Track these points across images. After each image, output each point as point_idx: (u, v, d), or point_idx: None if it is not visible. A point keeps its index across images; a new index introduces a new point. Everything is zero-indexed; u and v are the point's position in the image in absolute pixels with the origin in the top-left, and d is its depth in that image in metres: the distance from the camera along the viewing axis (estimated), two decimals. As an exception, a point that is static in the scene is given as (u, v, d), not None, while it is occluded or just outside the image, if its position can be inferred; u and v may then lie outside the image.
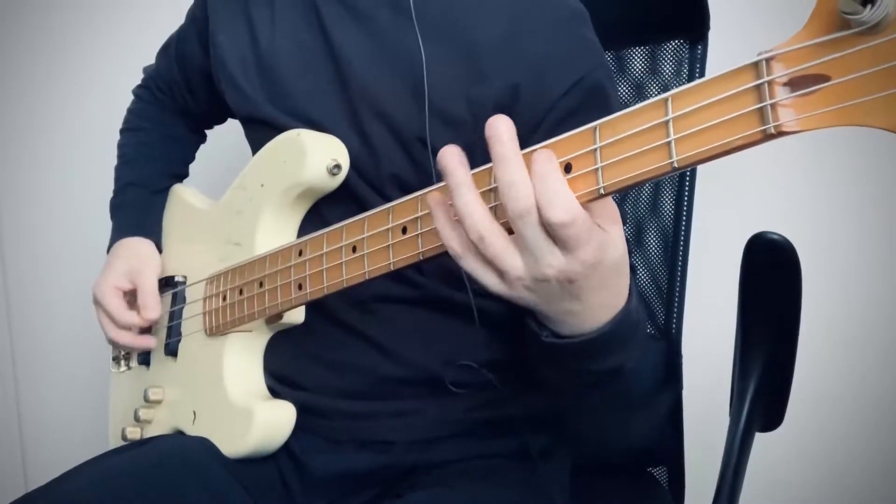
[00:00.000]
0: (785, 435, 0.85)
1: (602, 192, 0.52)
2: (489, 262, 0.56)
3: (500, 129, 0.54)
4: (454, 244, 0.57)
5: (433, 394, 0.83)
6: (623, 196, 1.07)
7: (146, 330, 0.97)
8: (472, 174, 0.56)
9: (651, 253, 1.07)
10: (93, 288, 0.96)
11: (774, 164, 1.27)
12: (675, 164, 0.49)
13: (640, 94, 1.07)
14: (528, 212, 0.52)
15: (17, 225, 1.72)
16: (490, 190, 0.57)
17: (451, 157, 0.56)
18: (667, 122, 0.49)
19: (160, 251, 1.02)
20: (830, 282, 1.29)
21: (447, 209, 0.58)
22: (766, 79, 0.44)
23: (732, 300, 0.83)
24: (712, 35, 1.01)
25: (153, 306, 0.94)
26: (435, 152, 0.79)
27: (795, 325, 0.79)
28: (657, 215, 1.06)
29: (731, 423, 0.81)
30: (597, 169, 0.52)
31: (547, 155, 0.53)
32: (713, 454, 0.83)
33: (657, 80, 1.05)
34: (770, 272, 0.80)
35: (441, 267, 0.81)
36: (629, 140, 0.51)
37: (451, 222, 0.57)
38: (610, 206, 0.55)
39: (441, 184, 0.61)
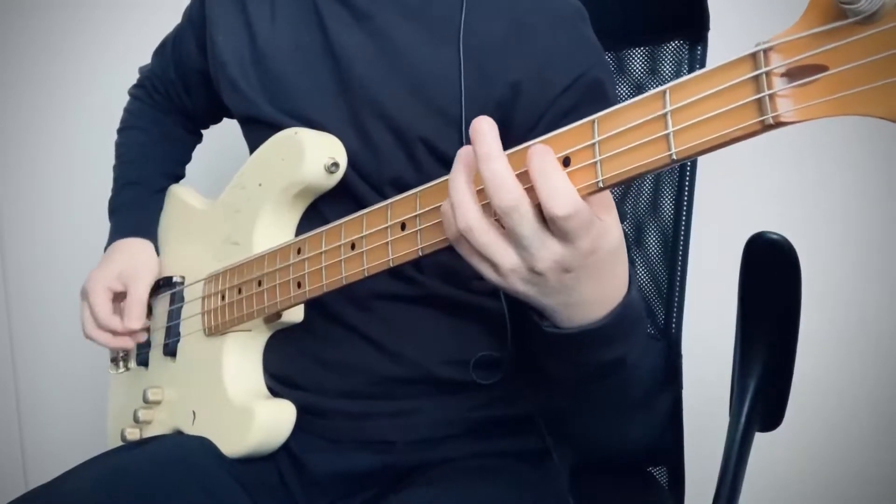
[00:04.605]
0: (785, 435, 0.84)
1: (601, 185, 0.52)
2: (479, 253, 0.56)
3: (483, 129, 0.54)
4: (450, 229, 0.58)
5: (433, 393, 0.83)
6: (623, 195, 1.07)
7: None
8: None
9: (651, 253, 1.07)
10: (84, 282, 0.96)
11: (774, 164, 1.27)
12: (674, 157, 0.49)
13: (639, 94, 1.07)
14: (515, 208, 0.52)
15: (17, 225, 1.72)
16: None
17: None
18: (665, 115, 0.49)
19: (157, 252, 1.01)
20: (830, 281, 1.29)
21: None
22: (763, 69, 0.44)
23: (732, 300, 0.83)
24: (712, 35, 1.01)
25: (137, 316, 0.93)
26: (435, 152, 0.80)
27: (795, 324, 0.78)
28: (657, 215, 1.06)
29: (730, 422, 0.81)
30: (595, 162, 0.52)
31: (543, 149, 0.53)
32: (713, 454, 0.83)
33: (657, 81, 1.05)
34: (770, 272, 0.79)
35: (440, 265, 0.81)
36: (628, 133, 0.51)
37: (451, 208, 0.58)
38: (604, 195, 0.55)
39: (437, 181, 0.62)
